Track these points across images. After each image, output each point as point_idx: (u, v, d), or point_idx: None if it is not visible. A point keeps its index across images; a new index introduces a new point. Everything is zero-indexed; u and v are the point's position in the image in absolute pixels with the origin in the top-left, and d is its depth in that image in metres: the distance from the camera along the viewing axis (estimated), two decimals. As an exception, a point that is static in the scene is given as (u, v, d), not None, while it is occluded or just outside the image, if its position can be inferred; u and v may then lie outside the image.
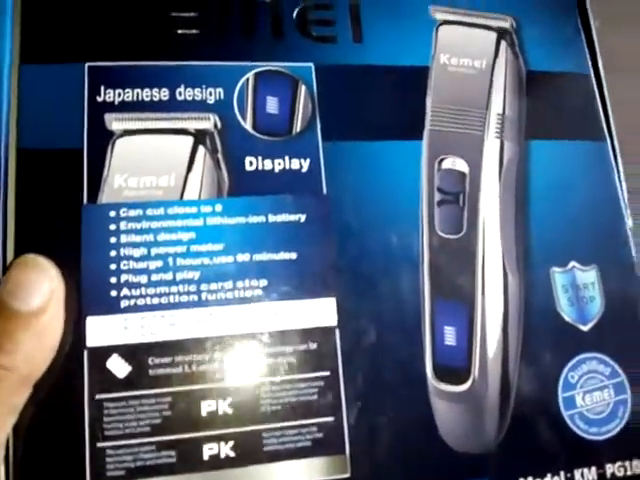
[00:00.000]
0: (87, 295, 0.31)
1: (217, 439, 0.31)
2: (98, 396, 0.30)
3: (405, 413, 0.33)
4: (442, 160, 0.36)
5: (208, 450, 0.30)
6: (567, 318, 0.36)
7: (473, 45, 0.38)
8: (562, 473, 0.34)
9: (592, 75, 0.40)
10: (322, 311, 0.33)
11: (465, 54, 0.38)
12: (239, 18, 0.37)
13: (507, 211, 0.36)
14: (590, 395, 0.35)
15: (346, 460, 0.32)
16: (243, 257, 0.33)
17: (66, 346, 0.30)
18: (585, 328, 0.36)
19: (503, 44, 0.38)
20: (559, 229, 0.37)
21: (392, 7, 0.38)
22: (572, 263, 0.37)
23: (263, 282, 0.33)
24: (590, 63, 0.41)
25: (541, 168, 0.38)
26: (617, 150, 0.39)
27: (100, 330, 0.31)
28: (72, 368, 0.30)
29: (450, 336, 0.35)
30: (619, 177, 0.39)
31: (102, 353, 0.31)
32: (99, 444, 0.30)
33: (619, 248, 0.38)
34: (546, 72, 0.40)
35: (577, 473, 0.34)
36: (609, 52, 0.43)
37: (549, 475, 0.34)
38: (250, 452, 0.31)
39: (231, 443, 0.31)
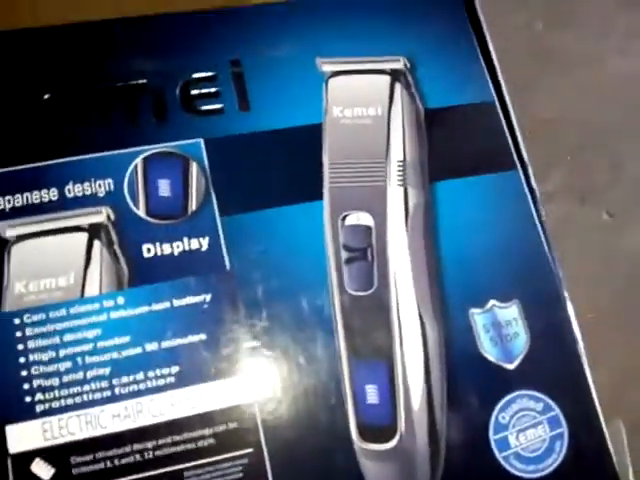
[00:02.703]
0: (2, 404, 0.38)
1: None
2: (25, 501, 0.36)
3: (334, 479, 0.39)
4: (346, 217, 0.42)
5: None
6: (491, 358, 0.42)
7: (366, 92, 0.44)
8: None
9: (497, 102, 0.47)
10: (239, 389, 0.39)
11: (358, 103, 0.43)
12: (120, 104, 0.43)
13: (418, 259, 0.42)
14: (524, 433, 0.42)
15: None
16: (151, 346, 0.39)
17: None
18: (511, 366, 0.42)
19: (398, 86, 0.44)
20: (474, 268, 0.43)
21: (277, 68, 0.45)
22: (491, 302, 0.43)
23: (175, 368, 0.39)
24: (493, 90, 0.47)
25: (450, 208, 0.44)
26: (530, 174, 0.46)
27: (20, 436, 0.37)
28: None
29: (372, 394, 0.40)
30: (535, 203, 0.46)
31: (25, 458, 0.37)
32: None
33: (541, 278, 0.44)
34: (447, 107, 0.46)
35: (519, 514, 0.40)
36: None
37: (488, 520, 0.39)
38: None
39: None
